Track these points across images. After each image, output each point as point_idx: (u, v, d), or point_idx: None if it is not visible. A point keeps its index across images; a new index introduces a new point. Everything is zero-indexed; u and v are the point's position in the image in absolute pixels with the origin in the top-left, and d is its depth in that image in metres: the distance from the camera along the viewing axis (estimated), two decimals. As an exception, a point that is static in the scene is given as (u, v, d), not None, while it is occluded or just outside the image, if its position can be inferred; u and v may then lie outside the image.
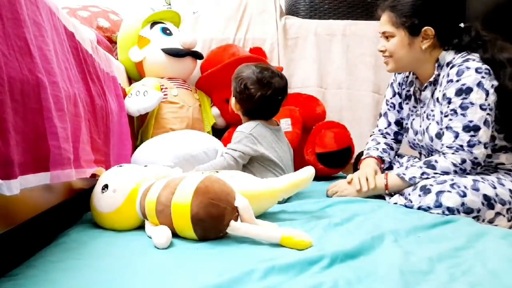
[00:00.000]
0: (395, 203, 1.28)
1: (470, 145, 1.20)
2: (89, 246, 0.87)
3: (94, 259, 0.80)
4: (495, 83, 1.22)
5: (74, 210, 1.14)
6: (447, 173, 1.22)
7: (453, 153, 1.22)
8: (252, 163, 1.37)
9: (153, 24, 1.90)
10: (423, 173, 1.25)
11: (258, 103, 1.38)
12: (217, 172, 1.18)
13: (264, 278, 0.68)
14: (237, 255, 0.80)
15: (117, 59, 1.92)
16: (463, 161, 1.21)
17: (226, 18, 2.17)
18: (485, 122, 1.21)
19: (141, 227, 1.00)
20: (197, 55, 1.92)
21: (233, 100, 1.45)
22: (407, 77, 1.49)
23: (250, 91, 1.38)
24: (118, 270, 0.74)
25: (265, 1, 2.23)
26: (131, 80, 1.97)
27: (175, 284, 0.68)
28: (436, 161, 1.24)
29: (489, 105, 1.21)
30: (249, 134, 1.36)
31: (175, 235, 0.90)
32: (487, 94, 1.21)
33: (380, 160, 1.49)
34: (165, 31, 1.88)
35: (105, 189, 1.00)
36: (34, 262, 0.77)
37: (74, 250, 0.84)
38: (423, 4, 1.30)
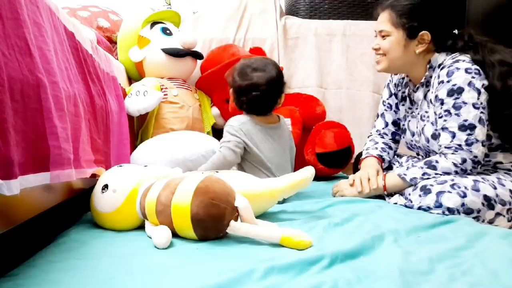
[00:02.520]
0: (395, 203, 1.28)
1: (468, 143, 1.21)
2: (89, 246, 0.87)
3: (94, 259, 0.80)
4: (486, 82, 1.23)
5: (74, 210, 1.14)
6: (448, 173, 1.22)
7: (452, 153, 1.22)
8: (244, 162, 1.37)
9: (153, 24, 1.90)
10: (424, 174, 1.25)
11: (252, 92, 1.35)
12: (217, 172, 1.18)
13: (264, 278, 0.68)
14: (237, 255, 0.81)
15: (117, 59, 1.92)
16: (464, 160, 1.21)
17: (226, 18, 2.17)
18: (480, 120, 1.21)
19: (141, 227, 1.00)
20: (197, 55, 1.92)
21: (231, 97, 1.44)
22: (403, 78, 1.50)
23: (242, 83, 1.37)
24: (118, 270, 0.74)
25: (265, 1, 2.24)
26: (131, 80, 1.97)
27: (175, 284, 0.68)
28: (437, 162, 1.24)
29: (481, 103, 1.22)
30: (238, 127, 1.35)
31: (175, 235, 0.90)
32: (479, 93, 1.21)
33: (381, 159, 1.49)
34: (165, 31, 1.88)
35: (105, 189, 1.00)
36: (34, 262, 0.77)
37: (74, 250, 0.84)
38: (424, 8, 1.31)
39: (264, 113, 1.41)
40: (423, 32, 1.30)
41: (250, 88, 1.36)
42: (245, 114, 1.41)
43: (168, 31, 1.89)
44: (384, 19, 1.35)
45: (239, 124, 1.36)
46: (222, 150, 1.34)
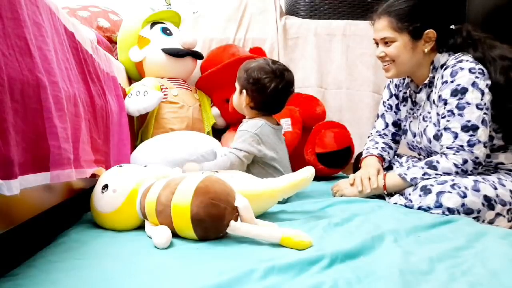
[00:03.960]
0: (395, 203, 1.28)
1: (470, 144, 1.20)
2: (89, 246, 0.87)
3: (94, 259, 0.80)
4: (489, 82, 1.23)
5: (74, 210, 1.14)
6: (448, 173, 1.22)
7: (454, 154, 1.22)
8: (253, 164, 1.36)
9: (153, 24, 1.90)
10: (424, 174, 1.25)
11: (271, 94, 1.35)
12: (217, 172, 1.18)
13: (264, 278, 0.68)
14: (237, 255, 0.80)
15: (117, 59, 1.92)
16: (465, 161, 1.21)
17: (226, 18, 2.17)
18: (483, 121, 1.21)
19: (141, 227, 1.00)
20: (197, 55, 1.92)
21: (243, 94, 1.39)
22: (404, 79, 1.49)
23: (264, 81, 1.35)
24: (118, 270, 0.74)
25: (265, 1, 2.24)
26: (131, 80, 1.97)
27: (175, 284, 0.68)
28: (437, 162, 1.24)
29: (485, 104, 1.21)
30: (255, 134, 1.33)
31: (175, 235, 0.90)
32: (482, 93, 1.21)
33: (381, 158, 1.49)
34: (165, 31, 1.88)
35: (105, 189, 1.00)
36: (34, 262, 0.77)
37: (74, 250, 0.84)
38: (423, 7, 1.30)
39: (276, 112, 1.42)
40: (428, 30, 1.29)
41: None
42: (258, 115, 1.40)
43: (168, 31, 1.89)
44: (384, 26, 1.32)
45: (256, 129, 1.34)
46: (230, 157, 1.32)
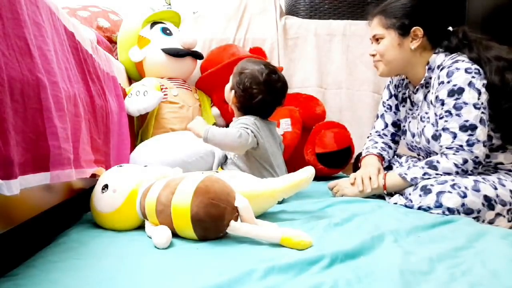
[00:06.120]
0: (395, 203, 1.28)
1: (470, 144, 1.20)
2: (89, 246, 0.87)
3: (94, 259, 0.80)
4: (486, 82, 1.23)
5: (74, 210, 1.14)
6: (449, 173, 1.22)
7: (454, 154, 1.22)
8: (248, 157, 1.35)
9: (153, 24, 1.90)
10: (424, 174, 1.25)
11: (257, 104, 1.36)
12: (217, 172, 1.18)
13: (264, 278, 0.68)
14: (237, 255, 0.81)
15: (117, 59, 1.92)
16: (465, 161, 1.21)
17: (226, 18, 2.17)
18: (481, 121, 1.21)
19: (141, 227, 1.00)
20: (197, 55, 1.92)
21: (231, 93, 1.41)
22: (403, 79, 1.50)
23: (252, 91, 1.35)
24: (118, 270, 0.74)
25: (265, 1, 2.24)
26: (131, 80, 1.98)
27: (175, 284, 0.68)
28: (438, 162, 1.24)
29: (482, 103, 1.22)
30: (254, 122, 1.34)
31: (175, 235, 0.90)
32: (479, 93, 1.22)
33: (381, 157, 1.49)
34: (165, 31, 1.88)
35: (105, 189, 1.00)
36: (34, 262, 0.77)
37: (74, 250, 0.84)
38: (413, 6, 1.33)
39: (269, 115, 1.43)
40: (415, 27, 1.30)
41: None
42: (243, 115, 1.40)
43: (168, 31, 1.89)
44: (376, 24, 1.37)
45: (253, 119, 1.35)
46: (240, 130, 1.29)
